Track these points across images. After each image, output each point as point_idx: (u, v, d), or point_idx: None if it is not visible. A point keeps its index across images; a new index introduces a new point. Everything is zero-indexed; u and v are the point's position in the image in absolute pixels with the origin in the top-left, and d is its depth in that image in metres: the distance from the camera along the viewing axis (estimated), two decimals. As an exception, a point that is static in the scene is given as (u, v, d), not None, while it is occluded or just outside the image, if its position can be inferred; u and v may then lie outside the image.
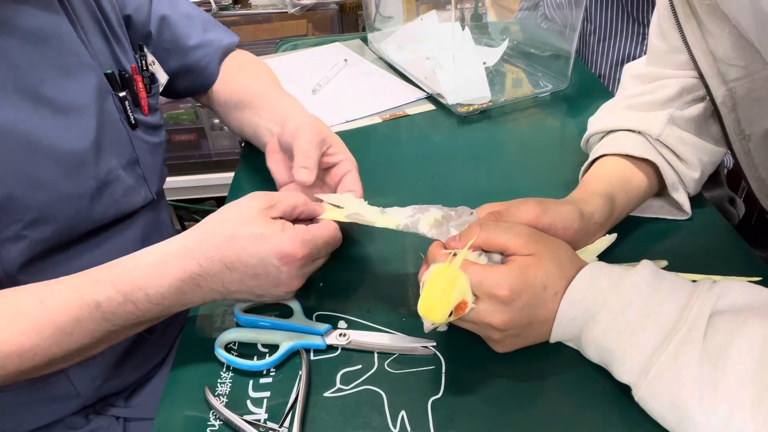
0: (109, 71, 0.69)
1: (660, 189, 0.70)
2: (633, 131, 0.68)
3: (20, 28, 0.59)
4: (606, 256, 0.63)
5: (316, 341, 0.57)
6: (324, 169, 0.68)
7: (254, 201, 0.55)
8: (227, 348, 0.57)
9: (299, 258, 0.53)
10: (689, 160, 0.68)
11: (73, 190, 0.62)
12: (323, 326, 0.58)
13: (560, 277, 0.51)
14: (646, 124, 0.67)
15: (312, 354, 0.56)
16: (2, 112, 0.56)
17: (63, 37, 0.63)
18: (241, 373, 0.55)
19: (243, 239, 0.52)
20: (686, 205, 0.69)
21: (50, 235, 0.61)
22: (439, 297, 0.48)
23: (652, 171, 0.67)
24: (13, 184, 0.57)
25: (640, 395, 0.47)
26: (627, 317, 0.48)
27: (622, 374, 0.48)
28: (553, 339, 0.54)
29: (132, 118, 0.72)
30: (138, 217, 0.72)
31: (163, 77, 0.80)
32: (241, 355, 0.57)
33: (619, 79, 1.09)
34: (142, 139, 0.73)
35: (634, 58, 1.10)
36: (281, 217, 0.55)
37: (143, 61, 0.77)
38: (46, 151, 0.59)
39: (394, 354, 0.56)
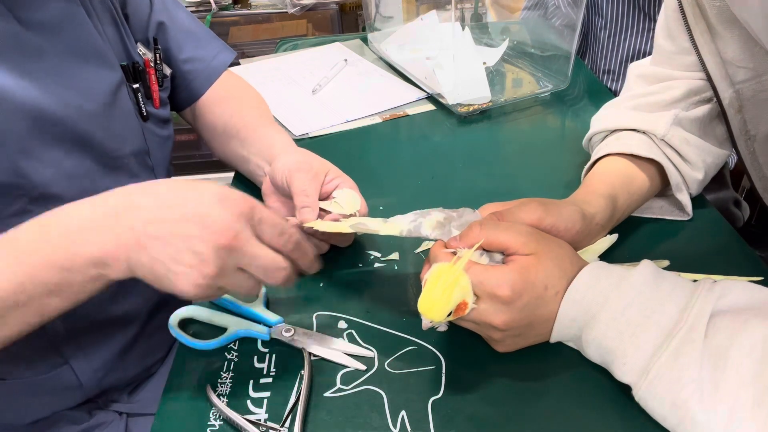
0: (124, 63, 0.70)
1: (661, 189, 0.70)
2: (638, 131, 0.68)
3: (38, 16, 0.60)
4: (607, 257, 0.63)
5: (262, 332, 0.58)
6: (325, 199, 0.67)
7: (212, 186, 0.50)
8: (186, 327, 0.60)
9: (239, 202, 0.48)
10: (693, 161, 0.68)
11: (78, 169, 0.63)
12: (275, 317, 0.59)
13: (561, 277, 0.51)
14: (652, 124, 0.67)
15: (312, 355, 0.56)
16: (16, 91, 0.57)
17: (79, 25, 0.64)
18: (241, 374, 0.55)
19: (186, 185, 0.49)
20: (688, 206, 0.69)
21: None
22: (440, 296, 0.48)
23: (654, 171, 0.67)
24: (21, 158, 0.58)
25: (640, 395, 0.47)
26: (627, 317, 0.48)
27: (622, 374, 0.48)
28: (553, 339, 0.54)
29: (144, 110, 0.72)
30: None
31: (167, 70, 0.80)
32: (194, 334, 0.59)
33: None
34: (153, 131, 0.74)
35: (643, 54, 1.11)
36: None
37: (157, 55, 0.77)
38: (55, 129, 0.60)
39: (394, 354, 0.56)
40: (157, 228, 0.46)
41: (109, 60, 0.67)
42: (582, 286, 0.51)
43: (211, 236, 0.46)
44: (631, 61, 1.12)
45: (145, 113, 0.72)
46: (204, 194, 0.48)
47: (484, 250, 0.53)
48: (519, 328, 0.51)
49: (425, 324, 0.50)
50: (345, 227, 0.59)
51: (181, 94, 0.85)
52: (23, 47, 0.59)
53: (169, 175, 0.79)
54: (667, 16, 0.69)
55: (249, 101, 0.86)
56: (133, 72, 0.72)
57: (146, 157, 0.72)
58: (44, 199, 0.60)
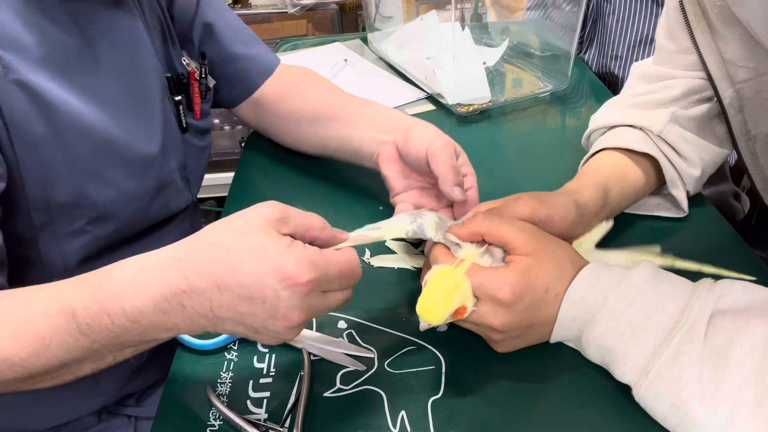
0: (168, 74, 0.70)
1: (657, 187, 0.70)
2: (635, 127, 0.69)
3: (107, 33, 0.60)
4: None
5: None
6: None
7: (264, 209, 0.46)
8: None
9: (303, 282, 0.43)
10: (690, 158, 0.68)
11: (136, 190, 0.64)
12: None
13: (561, 279, 0.51)
14: (648, 120, 0.68)
15: (312, 355, 0.56)
16: (83, 111, 0.58)
17: (138, 39, 0.65)
18: (241, 374, 0.55)
19: (241, 251, 0.43)
20: (684, 202, 0.69)
21: (109, 232, 0.62)
22: (440, 299, 0.48)
23: (650, 167, 0.68)
24: (85, 181, 0.59)
25: (640, 395, 0.47)
26: (627, 317, 0.48)
27: (622, 374, 0.48)
28: (553, 339, 0.54)
29: (184, 122, 0.73)
30: (179, 219, 0.74)
31: (211, 82, 0.80)
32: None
33: (636, 59, 1.09)
34: (190, 142, 0.75)
35: (651, 39, 1.11)
36: (291, 235, 0.46)
37: (203, 69, 0.77)
38: (119, 151, 0.61)
39: (394, 354, 0.56)
40: (225, 312, 0.44)
41: (160, 74, 0.68)
42: (582, 287, 0.51)
43: (283, 321, 0.45)
44: (639, 46, 1.13)
45: (185, 125, 0.73)
46: (261, 274, 0.43)
47: (485, 250, 0.53)
48: (519, 329, 0.51)
49: (423, 325, 0.50)
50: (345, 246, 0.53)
51: (234, 91, 0.84)
52: (87, 65, 0.59)
53: (200, 184, 0.79)
54: (668, 16, 0.69)
55: (330, 84, 0.85)
56: (177, 84, 0.72)
57: (184, 170, 0.73)
58: (101, 220, 0.61)
